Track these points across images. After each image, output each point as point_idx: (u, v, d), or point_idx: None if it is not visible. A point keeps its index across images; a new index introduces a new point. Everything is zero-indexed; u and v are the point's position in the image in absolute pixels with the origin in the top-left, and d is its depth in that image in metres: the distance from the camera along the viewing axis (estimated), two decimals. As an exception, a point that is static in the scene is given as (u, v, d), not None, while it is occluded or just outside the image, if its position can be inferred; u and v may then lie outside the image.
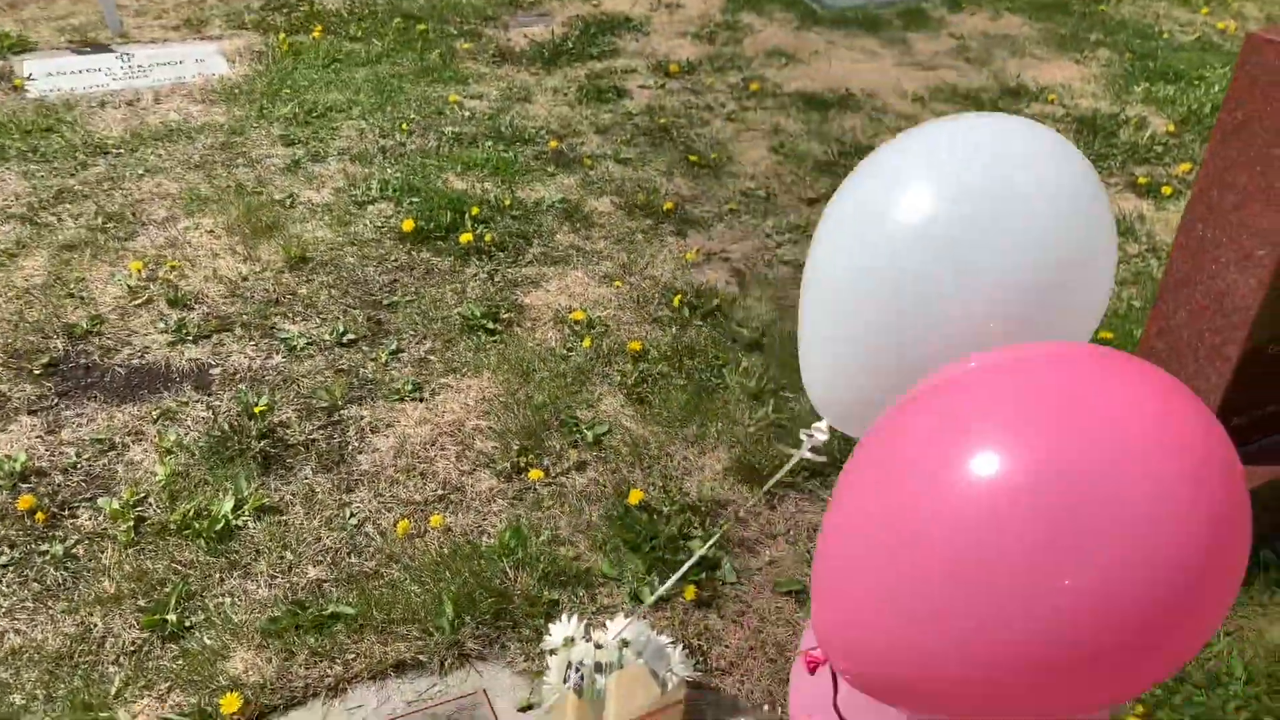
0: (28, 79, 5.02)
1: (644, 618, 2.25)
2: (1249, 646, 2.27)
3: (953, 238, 1.29)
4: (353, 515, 2.58)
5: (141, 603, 2.30)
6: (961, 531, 1.05)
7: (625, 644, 1.96)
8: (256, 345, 3.24)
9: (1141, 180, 4.62)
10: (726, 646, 2.22)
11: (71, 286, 3.45)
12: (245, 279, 3.56)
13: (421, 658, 2.18)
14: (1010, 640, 1.03)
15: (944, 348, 1.28)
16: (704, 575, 2.39)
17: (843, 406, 1.53)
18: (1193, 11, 7.15)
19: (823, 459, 1.63)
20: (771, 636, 2.25)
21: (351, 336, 3.28)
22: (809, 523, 2.57)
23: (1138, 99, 5.65)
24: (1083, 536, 1.00)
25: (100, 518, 2.54)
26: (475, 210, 3.97)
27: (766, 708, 2.09)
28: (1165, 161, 4.92)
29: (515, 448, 2.78)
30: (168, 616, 2.24)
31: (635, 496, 2.55)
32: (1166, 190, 4.54)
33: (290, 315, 3.39)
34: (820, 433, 1.61)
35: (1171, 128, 5.28)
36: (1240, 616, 2.39)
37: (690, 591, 2.31)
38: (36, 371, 3.05)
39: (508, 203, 4.11)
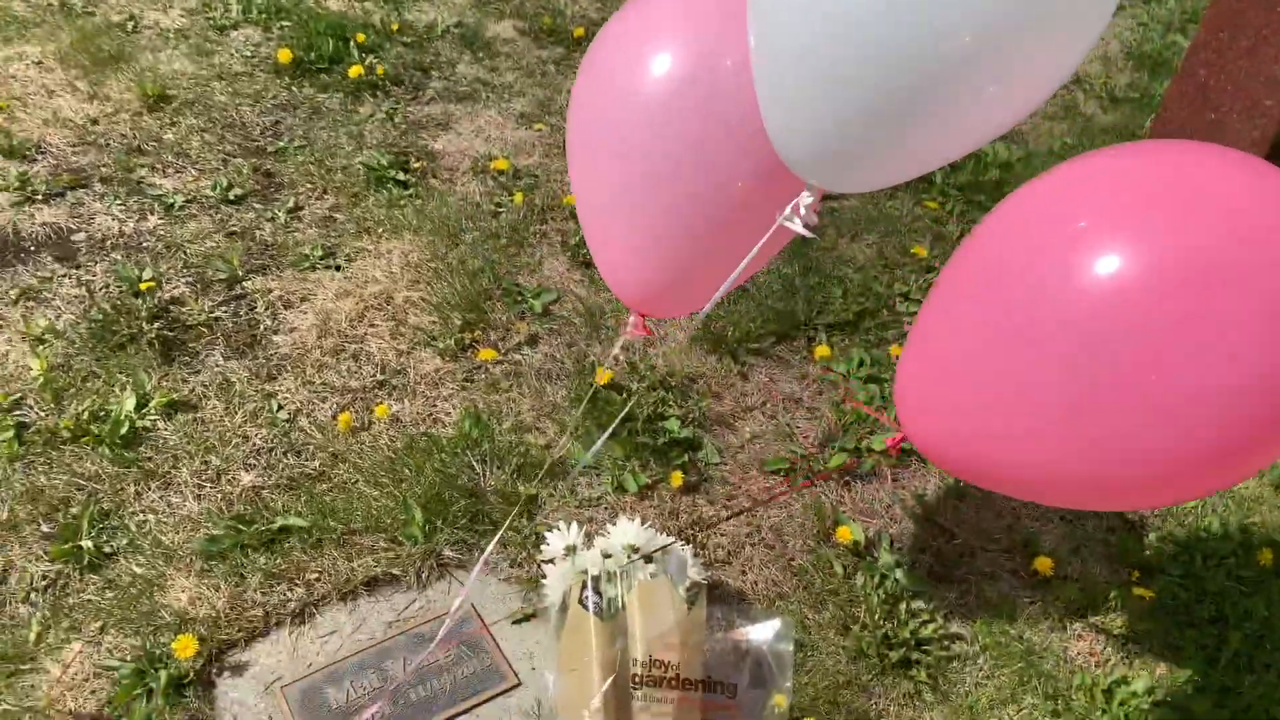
0: None
1: (638, 516, 2.09)
2: None
3: None
4: (281, 408, 2.26)
5: (45, 528, 1.95)
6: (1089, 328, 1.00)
7: (634, 549, 1.79)
8: (124, 205, 2.75)
9: None
10: (723, 535, 2.10)
11: None
12: (95, 122, 3.00)
13: (395, 571, 1.95)
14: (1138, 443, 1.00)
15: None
16: (687, 457, 2.23)
17: (822, 152, 1.23)
18: None
19: (813, 233, 1.33)
20: (766, 520, 2.13)
21: (239, 192, 2.84)
22: (784, 393, 2.43)
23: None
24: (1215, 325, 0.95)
25: (-30, 427, 2.13)
26: (361, 37, 3.46)
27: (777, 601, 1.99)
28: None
29: (457, 322, 2.49)
30: (81, 543, 1.92)
31: (604, 377, 2.34)
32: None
33: (160, 167, 2.89)
34: (807, 198, 1.30)
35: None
36: None
37: (676, 477, 2.15)
38: None
39: (396, 27, 3.60)
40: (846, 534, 2.06)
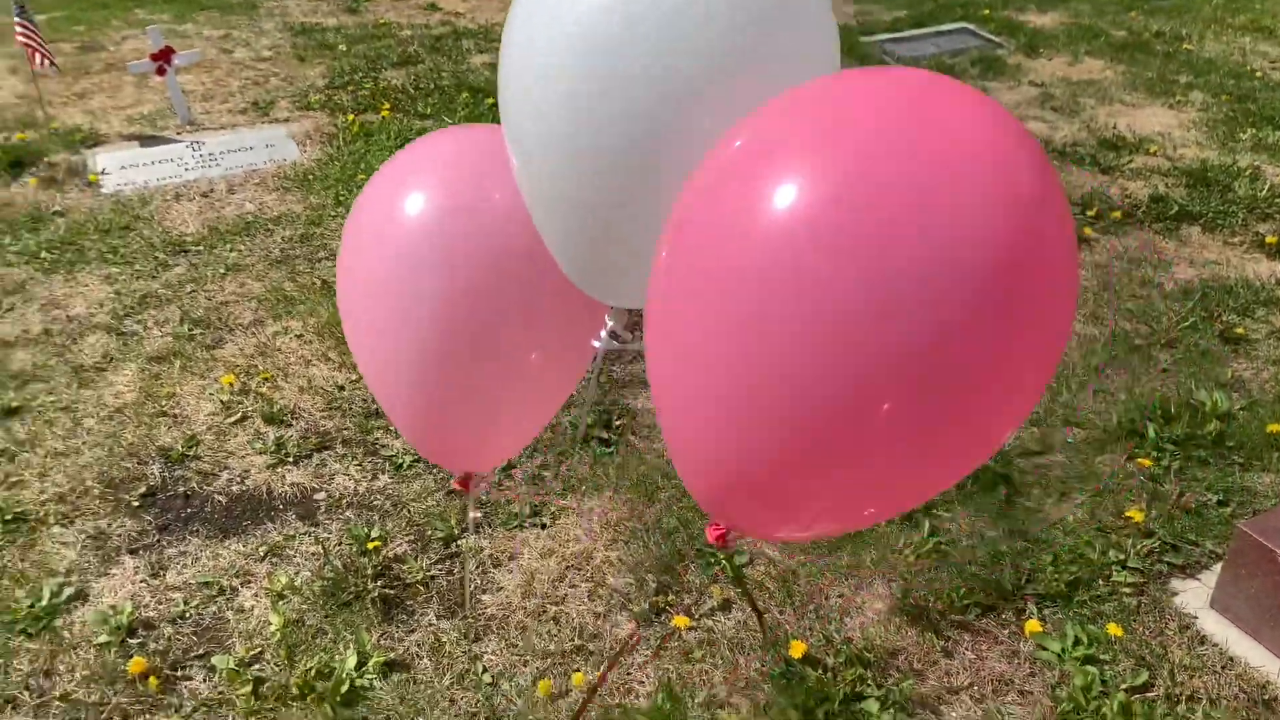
0: (102, 174, 4.94)
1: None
2: None
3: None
4: (485, 670, 2.36)
5: (269, 788, 2.09)
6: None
7: None
8: (360, 465, 3.05)
9: (1270, 240, 4.33)
10: (927, 835, 1.97)
11: (163, 404, 3.29)
12: (342, 389, 3.39)
13: None
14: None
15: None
16: (887, 743, 2.14)
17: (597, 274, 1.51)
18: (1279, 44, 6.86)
19: (631, 344, 1.57)
20: (976, 821, 1.99)
21: (458, 452, 3.09)
22: (993, 673, 2.31)
23: (1245, 146, 5.37)
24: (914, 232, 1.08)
25: (216, 679, 2.35)
26: (573, 303, 3.77)
27: None
28: (1290, 217, 4.63)
29: (652, 585, 2.55)
30: (300, 806, 2.03)
31: (798, 649, 2.31)
32: (1299, 251, 4.25)
33: (392, 428, 3.20)
34: (610, 323, 1.60)
35: (1289, 178, 4.99)
36: None
37: (876, 766, 2.06)
38: (135, 503, 2.88)
39: (604, 292, 3.92)
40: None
